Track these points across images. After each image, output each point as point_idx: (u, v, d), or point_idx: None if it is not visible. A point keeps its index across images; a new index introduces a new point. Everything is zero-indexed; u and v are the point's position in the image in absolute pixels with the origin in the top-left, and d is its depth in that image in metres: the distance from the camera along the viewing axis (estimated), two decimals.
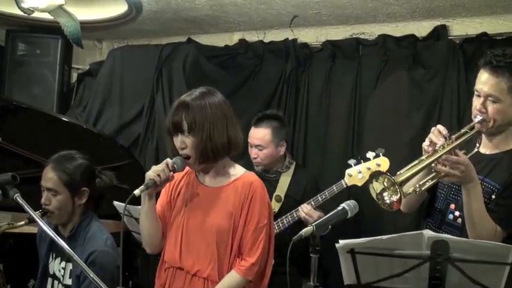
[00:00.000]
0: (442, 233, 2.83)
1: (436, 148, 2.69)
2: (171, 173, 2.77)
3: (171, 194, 2.97)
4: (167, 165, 2.77)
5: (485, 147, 2.92)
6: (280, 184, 4.22)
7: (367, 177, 3.83)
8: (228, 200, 2.84)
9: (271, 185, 4.11)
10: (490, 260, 2.31)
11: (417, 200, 3.03)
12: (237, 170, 2.93)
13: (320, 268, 2.33)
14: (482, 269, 2.32)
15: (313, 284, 2.29)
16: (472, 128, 2.82)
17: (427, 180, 2.78)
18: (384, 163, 3.92)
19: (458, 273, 2.33)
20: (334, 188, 4.02)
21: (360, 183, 3.92)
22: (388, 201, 2.67)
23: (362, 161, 3.95)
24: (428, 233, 2.35)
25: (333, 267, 2.63)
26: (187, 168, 2.96)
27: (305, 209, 3.97)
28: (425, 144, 2.76)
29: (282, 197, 4.18)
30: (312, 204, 3.99)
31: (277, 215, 4.08)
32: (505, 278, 2.33)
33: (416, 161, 2.72)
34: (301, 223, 3.97)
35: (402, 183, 2.64)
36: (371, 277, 2.48)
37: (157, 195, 2.94)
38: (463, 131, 2.81)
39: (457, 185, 2.88)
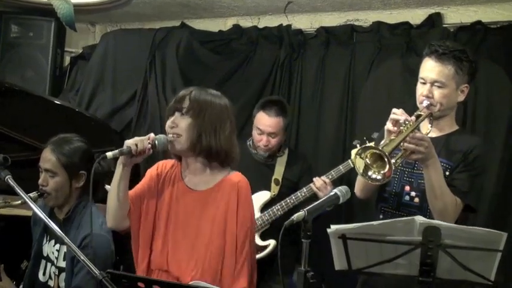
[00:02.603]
0: (400, 214, 3.02)
1: (401, 128, 2.84)
2: (149, 145, 2.74)
3: (157, 183, 2.93)
4: (148, 138, 2.75)
5: (431, 131, 3.06)
6: (277, 168, 4.26)
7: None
8: (212, 203, 2.81)
9: (269, 169, 4.24)
10: (481, 247, 2.33)
11: (375, 185, 3.11)
12: (223, 172, 2.88)
13: (311, 253, 2.33)
14: (474, 256, 2.34)
15: (304, 269, 2.28)
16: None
17: (397, 159, 2.88)
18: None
19: (449, 259, 2.35)
20: (341, 168, 4.11)
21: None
22: (379, 177, 2.75)
23: (367, 141, 3.99)
24: (420, 219, 2.36)
25: (324, 252, 2.62)
26: (171, 163, 2.96)
27: (318, 182, 4.03)
28: (390, 126, 2.90)
29: (280, 180, 4.23)
30: (329, 177, 4.08)
31: (277, 197, 4.16)
32: (496, 264, 2.35)
33: (387, 141, 2.85)
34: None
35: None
36: (362, 263, 2.50)
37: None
38: (416, 114, 2.98)
39: (409, 167, 3.09)
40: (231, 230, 2.76)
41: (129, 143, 2.72)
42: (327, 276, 2.39)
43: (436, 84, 3.01)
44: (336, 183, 3.88)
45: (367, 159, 2.76)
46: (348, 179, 4.24)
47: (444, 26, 4.69)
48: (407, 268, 2.45)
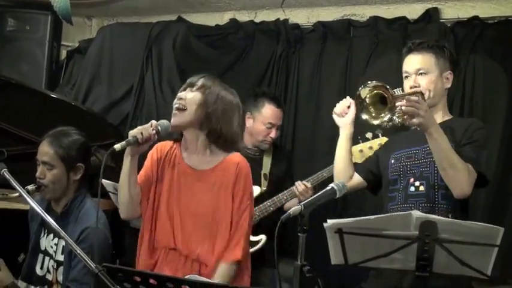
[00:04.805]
0: (408, 207, 2.99)
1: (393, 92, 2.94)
2: (154, 131, 2.78)
3: (157, 166, 2.98)
4: (151, 124, 2.79)
5: None
6: (265, 163, 4.27)
7: (367, 155, 3.87)
8: (216, 182, 2.89)
9: (257, 163, 4.19)
10: (478, 242, 2.32)
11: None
12: (223, 153, 2.95)
13: (307, 247, 2.32)
14: (471, 250, 2.34)
15: (300, 263, 2.28)
16: None
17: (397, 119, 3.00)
18: (384, 142, 3.95)
19: (446, 254, 2.35)
20: (324, 173, 4.08)
21: (360, 161, 3.89)
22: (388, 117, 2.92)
23: (360, 141, 3.98)
24: (416, 213, 2.36)
25: (320, 246, 2.62)
26: (169, 144, 3.01)
27: (300, 187, 4.00)
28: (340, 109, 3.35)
29: (268, 174, 4.24)
30: (310, 181, 4.06)
31: (266, 193, 4.13)
32: (493, 259, 2.35)
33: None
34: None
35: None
36: (358, 257, 2.49)
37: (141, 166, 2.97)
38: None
39: (409, 161, 3.10)
40: (231, 207, 2.85)
41: (133, 132, 2.75)
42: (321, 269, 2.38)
43: (421, 71, 3.10)
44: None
45: (367, 98, 2.91)
46: None
47: (441, 21, 4.70)
48: (403, 262, 2.45)
